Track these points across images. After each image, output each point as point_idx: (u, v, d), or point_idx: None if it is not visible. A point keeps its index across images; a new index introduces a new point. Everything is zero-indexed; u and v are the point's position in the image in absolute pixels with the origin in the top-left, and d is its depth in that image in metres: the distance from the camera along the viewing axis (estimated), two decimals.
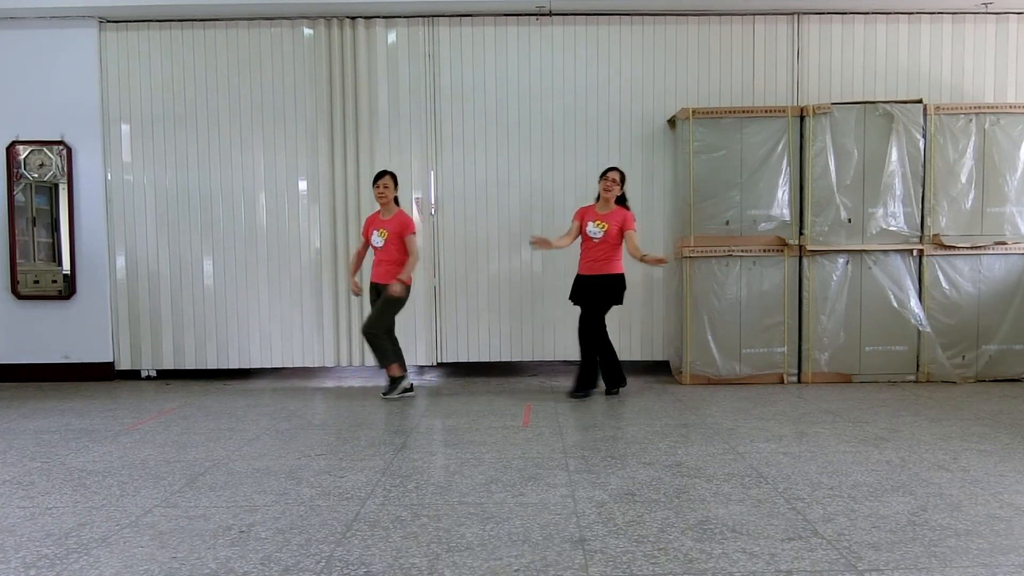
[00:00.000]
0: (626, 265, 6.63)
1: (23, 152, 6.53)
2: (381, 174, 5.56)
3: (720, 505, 3.07)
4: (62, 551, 2.67)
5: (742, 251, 6.04)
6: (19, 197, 6.58)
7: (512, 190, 6.63)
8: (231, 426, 4.74)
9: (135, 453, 4.07)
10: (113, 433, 4.57)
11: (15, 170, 6.52)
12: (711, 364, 6.09)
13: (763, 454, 3.88)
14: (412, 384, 5.80)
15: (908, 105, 5.99)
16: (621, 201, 5.53)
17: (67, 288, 6.61)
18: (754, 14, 6.52)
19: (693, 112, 6.08)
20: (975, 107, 6.02)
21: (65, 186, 6.54)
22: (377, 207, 5.70)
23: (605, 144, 6.60)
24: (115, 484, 3.48)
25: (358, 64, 6.57)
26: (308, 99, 6.59)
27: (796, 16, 6.53)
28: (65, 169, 6.53)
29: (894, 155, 5.97)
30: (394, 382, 5.59)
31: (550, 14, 6.53)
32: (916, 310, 6.02)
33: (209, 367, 6.71)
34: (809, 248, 6.01)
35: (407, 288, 5.52)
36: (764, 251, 6.04)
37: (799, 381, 6.09)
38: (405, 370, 5.68)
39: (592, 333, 5.41)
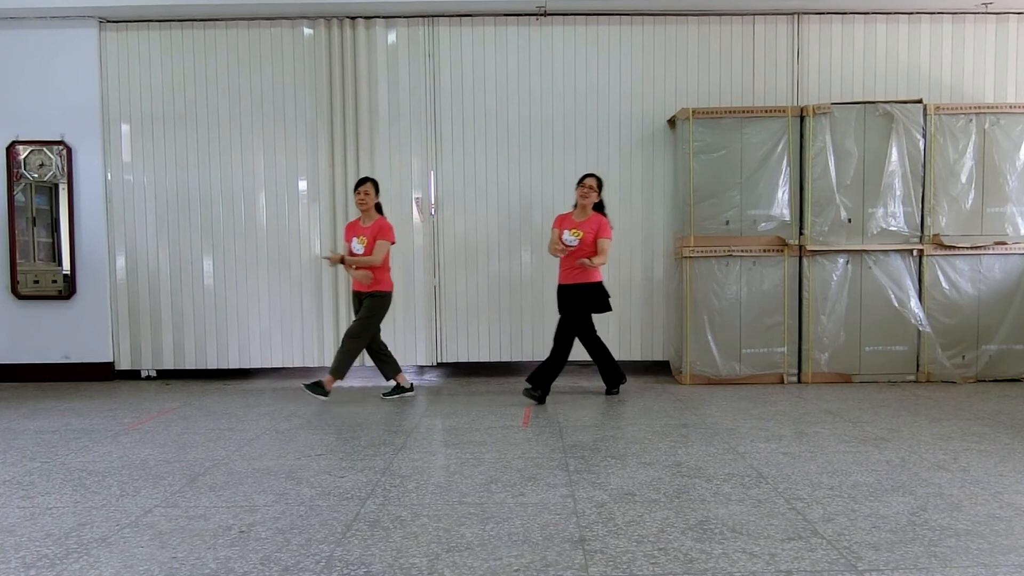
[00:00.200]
0: (626, 265, 6.68)
1: (23, 152, 6.53)
2: (362, 181, 5.50)
3: (720, 505, 3.07)
4: (62, 551, 2.67)
5: (742, 251, 6.04)
6: (19, 197, 6.58)
7: (512, 190, 6.63)
8: (231, 426, 4.74)
9: (135, 453, 4.07)
10: (113, 433, 4.57)
11: (15, 170, 6.53)
12: (711, 364, 6.09)
13: (763, 454, 3.88)
14: (412, 384, 5.80)
15: (908, 105, 5.99)
16: (599, 208, 5.45)
17: (67, 288, 6.61)
18: (754, 14, 6.52)
19: (693, 112, 6.08)
20: (975, 107, 6.02)
21: (65, 186, 6.55)
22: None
23: (605, 144, 6.61)
24: (115, 484, 3.48)
25: (358, 64, 6.57)
26: (308, 99, 6.59)
27: (796, 16, 6.53)
28: (65, 169, 6.53)
29: (894, 155, 5.97)
30: (319, 386, 5.43)
31: (549, 14, 6.53)
32: (916, 310, 6.02)
33: (209, 367, 6.71)
34: (809, 248, 6.01)
35: (388, 294, 5.49)
36: (764, 251, 6.04)
37: (799, 381, 6.09)
38: (400, 375, 5.65)
39: (562, 341, 5.33)
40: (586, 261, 5.22)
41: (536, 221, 6.59)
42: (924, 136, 5.98)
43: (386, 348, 5.70)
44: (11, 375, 6.64)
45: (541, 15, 6.52)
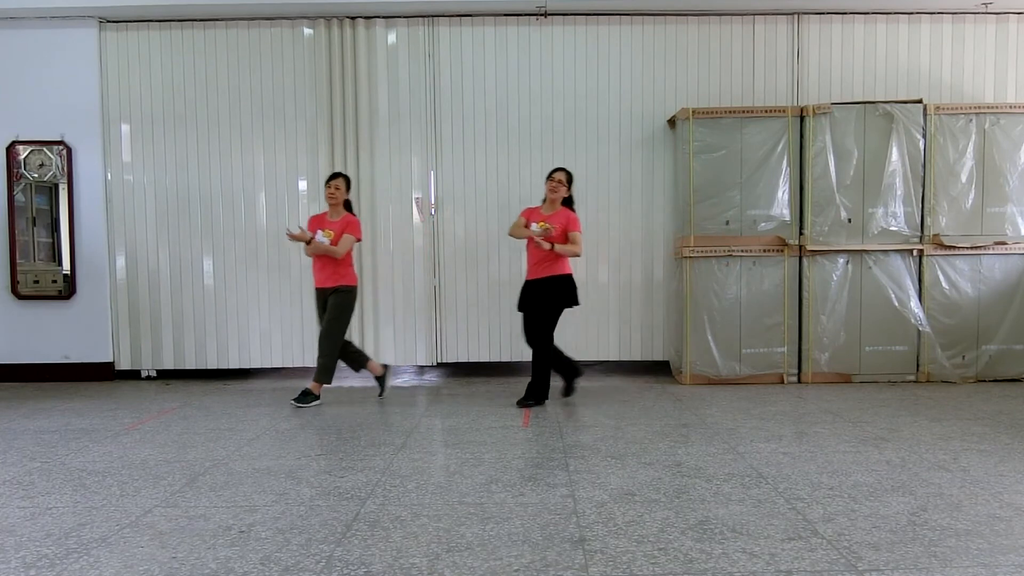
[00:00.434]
0: (626, 265, 6.68)
1: (23, 152, 6.53)
2: (334, 175, 5.44)
3: (720, 505, 3.07)
4: (62, 551, 2.67)
5: (742, 251, 6.04)
6: (19, 197, 6.58)
7: (512, 190, 6.63)
8: (231, 426, 4.74)
9: (135, 453, 4.07)
10: (113, 433, 4.57)
11: (15, 170, 6.53)
12: (711, 364, 6.09)
13: (763, 454, 3.88)
14: (385, 388, 5.73)
15: (908, 105, 5.99)
16: (568, 203, 5.32)
17: (67, 288, 6.61)
18: (754, 14, 6.52)
19: (693, 112, 6.08)
20: (975, 107, 6.02)
21: (65, 186, 6.55)
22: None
23: (605, 144, 6.61)
24: (115, 484, 3.48)
25: (358, 64, 6.57)
26: (308, 99, 6.59)
27: (796, 16, 6.53)
28: (65, 169, 6.53)
29: (894, 155, 5.97)
30: (308, 395, 5.36)
31: (549, 14, 6.52)
32: (916, 310, 6.02)
33: (209, 367, 6.71)
34: (809, 248, 6.01)
35: (355, 289, 5.44)
36: (764, 251, 6.04)
37: (799, 381, 6.09)
38: (372, 363, 5.60)
39: (543, 340, 5.18)
40: (558, 247, 5.04)
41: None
42: (924, 136, 5.98)
43: (350, 343, 5.60)
44: (11, 375, 6.64)
45: (542, 15, 6.52)
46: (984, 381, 6.05)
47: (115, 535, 2.82)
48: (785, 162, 6.02)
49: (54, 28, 6.49)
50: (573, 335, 6.63)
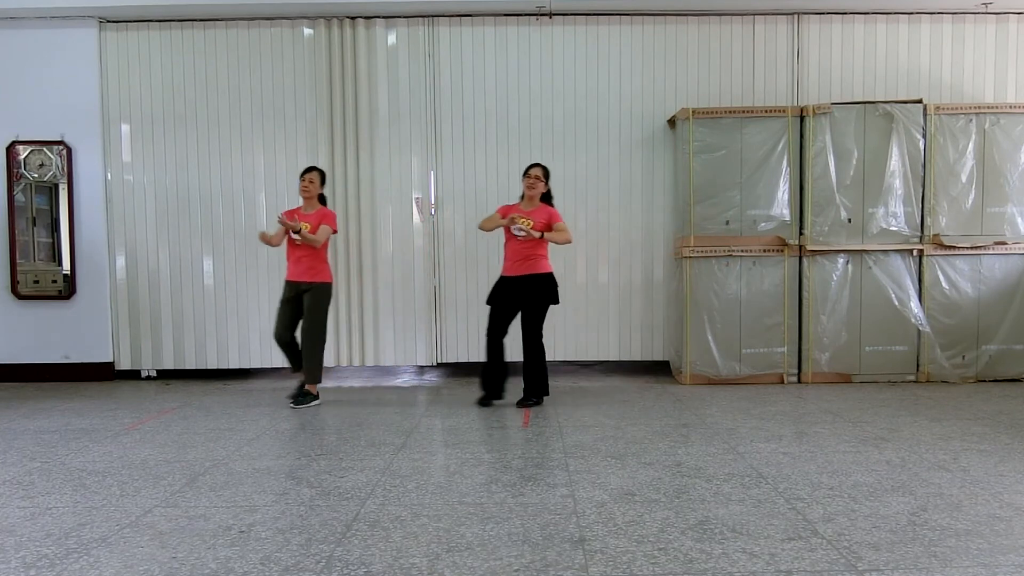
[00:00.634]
0: (626, 266, 6.68)
1: (23, 152, 6.53)
2: (308, 169, 5.40)
3: (720, 505, 3.07)
4: (62, 551, 2.67)
5: (742, 251, 6.04)
6: (19, 197, 6.58)
7: (512, 190, 6.59)
8: (231, 426, 4.74)
9: (135, 453, 4.07)
10: (113, 433, 4.57)
11: (15, 170, 6.53)
12: (711, 364, 6.09)
13: (763, 454, 3.88)
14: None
15: (908, 105, 5.99)
16: (546, 199, 5.27)
17: (67, 288, 6.61)
18: (754, 14, 6.52)
19: (693, 112, 6.08)
20: (975, 107, 6.02)
21: (65, 186, 6.55)
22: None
23: (605, 144, 6.60)
24: (115, 484, 3.48)
25: (358, 64, 6.57)
26: (308, 99, 6.59)
27: (796, 16, 6.53)
28: (65, 169, 6.53)
29: (894, 155, 5.97)
30: (306, 396, 5.35)
31: (550, 15, 6.53)
32: (916, 310, 6.02)
33: (209, 367, 6.71)
34: (809, 248, 6.01)
35: (330, 285, 5.43)
36: (764, 251, 6.04)
37: (799, 381, 6.09)
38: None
39: (537, 338, 5.16)
40: (548, 235, 5.03)
41: None
42: (924, 136, 5.98)
43: (286, 347, 5.47)
44: (11, 375, 6.64)
45: (546, 15, 6.52)
46: (984, 381, 6.05)
47: (115, 535, 2.82)
48: (785, 162, 6.02)
49: (54, 28, 6.49)
50: (573, 335, 6.64)
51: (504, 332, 5.23)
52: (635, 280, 6.67)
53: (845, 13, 6.51)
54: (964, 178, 6.00)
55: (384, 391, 6.09)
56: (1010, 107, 6.01)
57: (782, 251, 6.04)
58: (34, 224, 6.62)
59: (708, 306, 6.08)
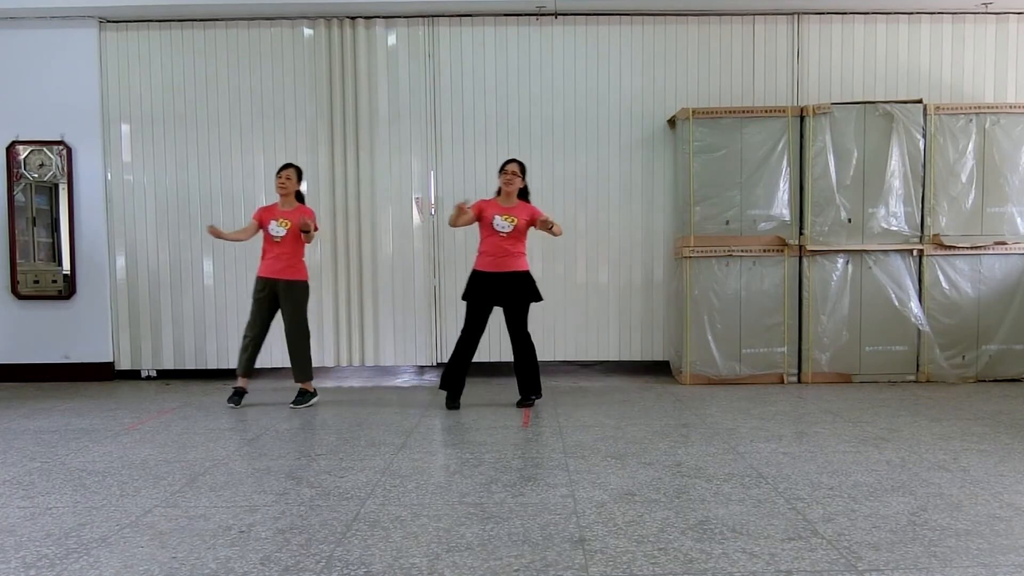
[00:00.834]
0: (626, 265, 6.68)
1: (23, 152, 6.53)
2: (285, 166, 5.37)
3: (720, 505, 3.07)
4: (62, 551, 2.67)
5: (742, 251, 6.04)
6: (19, 197, 6.58)
7: None
8: (231, 426, 4.74)
9: (135, 453, 4.07)
10: (113, 433, 4.57)
11: (15, 170, 6.53)
12: (711, 364, 6.09)
13: (763, 454, 3.88)
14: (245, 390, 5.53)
15: (908, 105, 5.99)
16: (523, 195, 5.23)
17: (67, 288, 6.61)
18: (754, 14, 6.52)
19: (693, 112, 6.08)
20: (975, 107, 6.02)
21: (65, 186, 6.55)
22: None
23: (605, 144, 6.60)
24: (115, 484, 3.48)
25: (358, 64, 6.57)
26: (308, 99, 6.59)
27: (796, 16, 6.53)
28: (65, 169, 6.53)
29: (894, 155, 5.97)
30: (304, 395, 5.36)
31: (551, 15, 6.53)
32: (916, 310, 6.02)
33: (209, 367, 6.71)
34: (809, 248, 6.01)
35: (308, 283, 5.40)
36: (764, 251, 6.04)
37: (799, 381, 6.09)
38: (246, 380, 5.44)
39: (526, 335, 5.17)
40: (557, 227, 5.05)
41: None
42: (924, 136, 5.98)
43: (252, 351, 5.39)
44: (11, 375, 6.64)
45: (544, 15, 6.52)
46: (984, 381, 6.05)
47: (115, 535, 2.82)
48: (785, 162, 6.02)
49: (54, 28, 6.49)
50: (573, 335, 6.65)
51: (484, 329, 5.20)
52: (635, 280, 6.67)
53: (845, 13, 6.51)
54: (964, 178, 6.01)
55: (384, 391, 6.10)
56: (1010, 107, 6.01)
57: (782, 251, 6.04)
58: (34, 224, 6.62)
59: (708, 306, 6.08)
